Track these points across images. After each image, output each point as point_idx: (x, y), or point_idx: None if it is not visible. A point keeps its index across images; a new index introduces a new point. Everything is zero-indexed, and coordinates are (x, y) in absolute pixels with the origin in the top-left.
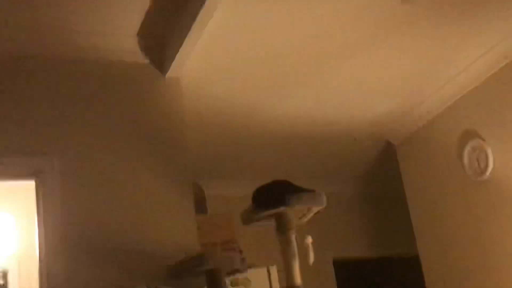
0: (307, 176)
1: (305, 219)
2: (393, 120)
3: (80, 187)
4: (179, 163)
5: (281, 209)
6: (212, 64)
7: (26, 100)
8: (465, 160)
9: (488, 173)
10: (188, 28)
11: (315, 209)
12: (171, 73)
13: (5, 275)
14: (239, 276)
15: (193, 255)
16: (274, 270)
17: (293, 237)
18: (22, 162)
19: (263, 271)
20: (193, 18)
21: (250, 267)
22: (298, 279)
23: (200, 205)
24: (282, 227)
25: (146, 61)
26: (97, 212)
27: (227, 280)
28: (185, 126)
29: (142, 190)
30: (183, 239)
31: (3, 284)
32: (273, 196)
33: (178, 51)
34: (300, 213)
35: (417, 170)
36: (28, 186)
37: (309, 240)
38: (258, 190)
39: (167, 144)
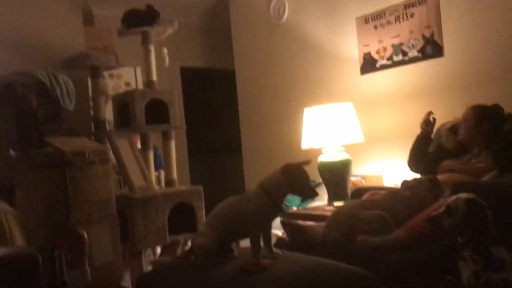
0: (166, 8)
1: (163, 37)
2: None
3: None
4: None
5: (145, 28)
6: None
7: None
8: (271, 10)
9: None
10: None
11: (169, 30)
12: None
13: None
14: (114, 71)
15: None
16: (139, 70)
17: (152, 47)
18: None
19: (131, 70)
20: None
21: (122, 65)
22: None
23: (88, 20)
24: (145, 41)
25: None
26: None
27: (105, 74)
28: None
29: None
30: (73, 43)
31: None
32: (139, 18)
33: None
34: (161, 32)
35: (240, 14)
36: None
37: (165, 50)
38: (128, 13)
39: None
